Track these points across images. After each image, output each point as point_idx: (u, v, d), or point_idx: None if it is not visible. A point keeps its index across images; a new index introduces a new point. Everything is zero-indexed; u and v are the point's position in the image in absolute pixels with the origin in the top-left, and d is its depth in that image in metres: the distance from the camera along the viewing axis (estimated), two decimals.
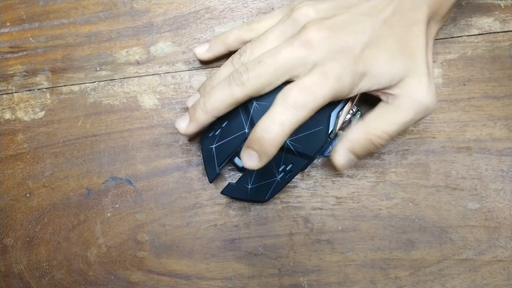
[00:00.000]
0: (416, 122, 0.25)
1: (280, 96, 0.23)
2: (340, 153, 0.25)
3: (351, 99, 0.26)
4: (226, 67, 0.26)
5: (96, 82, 0.32)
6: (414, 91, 0.24)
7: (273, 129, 0.23)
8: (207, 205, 0.30)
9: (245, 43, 0.27)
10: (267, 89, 0.24)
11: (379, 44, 0.23)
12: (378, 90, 0.24)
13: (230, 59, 0.26)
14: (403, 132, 0.27)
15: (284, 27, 0.25)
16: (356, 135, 0.25)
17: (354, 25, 0.23)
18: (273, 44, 0.25)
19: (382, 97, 0.25)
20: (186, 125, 0.26)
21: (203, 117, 0.25)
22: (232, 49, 0.28)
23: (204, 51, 0.29)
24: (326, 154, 0.27)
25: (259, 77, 0.24)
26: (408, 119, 0.24)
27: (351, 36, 0.23)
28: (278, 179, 0.27)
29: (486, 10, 0.29)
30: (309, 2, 0.25)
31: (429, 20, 0.24)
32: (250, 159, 0.23)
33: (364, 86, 0.24)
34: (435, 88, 0.24)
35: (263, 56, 0.24)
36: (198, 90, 0.28)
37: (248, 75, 0.24)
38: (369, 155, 0.29)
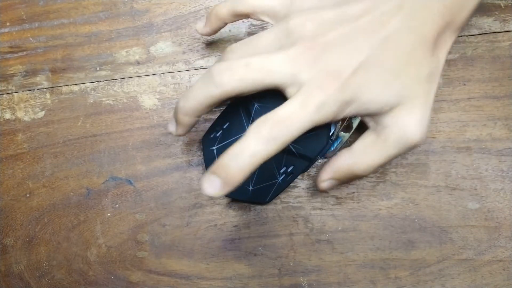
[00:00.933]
0: (401, 155, 0.24)
1: (254, 126, 0.21)
2: (324, 180, 0.25)
3: None
4: None
5: (96, 82, 0.32)
6: (404, 124, 0.22)
7: (243, 158, 0.21)
8: (207, 205, 0.30)
9: (238, 16, 0.26)
10: (250, 93, 0.23)
11: (375, 66, 0.21)
12: (366, 115, 0.23)
13: (219, 60, 0.25)
14: (388, 164, 0.27)
15: (279, 35, 0.23)
16: (340, 165, 0.24)
17: (350, 43, 0.21)
18: (266, 50, 0.23)
19: (370, 123, 0.24)
20: (175, 129, 0.26)
21: (186, 120, 0.24)
22: (227, 21, 0.26)
23: (203, 26, 0.27)
24: (327, 155, 0.27)
25: (242, 81, 0.22)
26: (394, 153, 0.23)
27: (344, 57, 0.21)
28: (279, 181, 0.27)
29: (486, 10, 0.29)
30: (309, 11, 0.23)
31: (441, 33, 0.22)
32: (212, 186, 0.22)
33: (351, 112, 0.22)
34: (429, 120, 0.23)
35: (252, 60, 0.22)
36: None
37: (231, 77, 0.22)
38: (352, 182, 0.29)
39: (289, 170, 0.26)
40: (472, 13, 0.22)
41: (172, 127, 0.26)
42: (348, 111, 0.22)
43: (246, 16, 0.25)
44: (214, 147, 0.27)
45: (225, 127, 0.27)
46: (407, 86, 0.22)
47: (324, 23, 0.22)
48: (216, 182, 0.22)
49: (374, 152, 0.23)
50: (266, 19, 0.25)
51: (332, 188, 0.26)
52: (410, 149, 0.23)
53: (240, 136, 0.26)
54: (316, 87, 0.21)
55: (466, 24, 0.23)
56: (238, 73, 0.22)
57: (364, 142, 0.24)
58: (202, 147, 0.28)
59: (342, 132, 0.27)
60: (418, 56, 0.22)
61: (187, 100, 0.23)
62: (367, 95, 0.22)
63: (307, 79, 0.22)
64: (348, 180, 0.25)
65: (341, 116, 0.22)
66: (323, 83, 0.21)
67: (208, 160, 0.27)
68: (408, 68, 0.22)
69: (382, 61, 0.21)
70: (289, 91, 0.22)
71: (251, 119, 0.26)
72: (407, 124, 0.22)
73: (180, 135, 0.26)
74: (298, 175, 0.27)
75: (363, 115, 0.23)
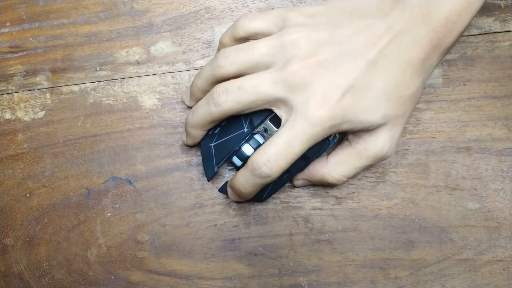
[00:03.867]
0: (370, 167, 0.26)
1: (249, 164, 0.24)
2: (299, 179, 0.28)
3: None
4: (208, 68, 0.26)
5: (96, 82, 0.32)
6: (380, 140, 0.24)
7: (247, 187, 0.25)
8: (207, 205, 0.30)
9: (239, 40, 0.26)
10: (248, 111, 0.25)
11: (364, 90, 0.22)
12: (355, 132, 0.24)
13: (211, 61, 0.26)
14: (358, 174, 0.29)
15: (273, 50, 0.23)
16: (315, 172, 0.27)
17: (340, 66, 0.22)
18: (258, 63, 0.24)
19: (349, 135, 0.25)
20: (185, 138, 0.29)
21: (194, 132, 0.27)
22: (231, 46, 0.27)
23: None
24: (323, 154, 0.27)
25: (237, 103, 0.24)
26: (366, 165, 0.25)
27: (332, 82, 0.22)
28: (276, 179, 0.27)
29: (486, 10, 0.29)
30: (303, 29, 0.23)
31: (428, 57, 0.22)
32: (233, 197, 0.27)
33: (342, 130, 0.24)
34: (400, 135, 0.25)
35: (245, 83, 0.24)
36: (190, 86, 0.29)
37: (227, 98, 0.24)
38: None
39: None
40: (460, 36, 0.23)
41: (183, 137, 0.29)
42: (339, 130, 0.24)
43: (246, 39, 0.26)
44: (212, 144, 0.27)
45: (223, 124, 0.27)
46: (393, 108, 0.23)
47: (318, 43, 0.23)
48: (235, 195, 0.27)
49: (348, 164, 0.25)
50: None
51: (305, 186, 0.29)
52: (379, 161, 0.25)
53: (238, 133, 0.26)
54: (302, 119, 0.22)
55: (453, 47, 0.24)
56: (232, 95, 0.24)
57: (340, 154, 0.26)
58: (200, 144, 0.28)
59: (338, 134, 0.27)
60: (405, 79, 0.22)
61: (193, 115, 0.26)
62: (357, 117, 0.23)
63: (295, 105, 0.22)
64: (318, 184, 0.28)
65: (332, 133, 0.24)
66: (309, 113, 0.22)
67: (205, 157, 0.27)
68: (395, 91, 0.22)
69: (372, 84, 0.22)
70: (281, 114, 0.24)
71: (249, 117, 0.26)
72: (383, 141, 0.24)
73: (189, 145, 0.29)
74: (295, 174, 0.27)
75: (352, 132, 0.25)
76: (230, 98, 0.24)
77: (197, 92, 0.27)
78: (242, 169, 0.25)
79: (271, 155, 0.23)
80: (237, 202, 0.30)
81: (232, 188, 0.26)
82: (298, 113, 0.22)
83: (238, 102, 0.24)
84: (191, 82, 0.31)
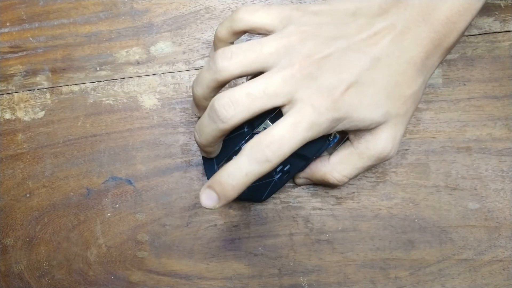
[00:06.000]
0: (372, 168, 0.26)
1: (248, 147, 0.22)
2: (301, 178, 0.28)
3: None
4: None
5: (96, 82, 0.32)
6: (382, 140, 0.24)
7: (237, 177, 0.22)
8: None
9: (238, 34, 0.26)
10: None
11: (367, 86, 0.22)
12: (354, 131, 0.24)
13: (210, 65, 0.24)
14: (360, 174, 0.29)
15: (280, 49, 0.23)
16: (317, 171, 0.27)
17: (344, 62, 0.22)
18: (265, 62, 0.23)
19: (351, 136, 0.25)
20: (205, 154, 0.27)
21: (209, 149, 0.25)
22: (230, 41, 0.26)
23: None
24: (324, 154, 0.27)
25: (247, 111, 0.22)
26: (368, 165, 0.25)
27: (337, 75, 0.22)
28: (276, 179, 0.27)
29: (486, 10, 0.29)
30: (309, 27, 0.23)
31: (430, 56, 0.22)
32: (209, 200, 0.23)
33: (341, 127, 0.23)
34: (403, 135, 0.24)
35: (253, 89, 0.22)
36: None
37: (235, 111, 0.22)
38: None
39: (285, 169, 0.26)
40: (461, 36, 0.23)
41: (203, 153, 0.27)
42: (339, 127, 0.23)
43: (244, 32, 0.25)
44: None
45: None
46: (394, 106, 0.23)
47: (322, 40, 0.23)
48: (213, 196, 0.23)
49: (350, 164, 0.25)
50: (265, 33, 0.25)
51: (306, 184, 0.29)
52: (381, 162, 0.25)
53: (238, 133, 0.26)
54: (308, 106, 0.22)
55: (454, 47, 0.24)
56: (241, 105, 0.22)
57: (341, 153, 0.26)
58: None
59: (338, 134, 0.27)
60: (406, 77, 0.23)
61: (201, 136, 0.24)
62: (358, 114, 0.23)
63: (301, 97, 0.22)
64: (319, 183, 0.28)
65: (332, 131, 0.23)
66: (316, 102, 0.22)
67: (206, 158, 0.27)
68: (397, 89, 0.23)
69: (374, 81, 0.22)
70: (284, 108, 0.23)
71: None
72: (384, 140, 0.24)
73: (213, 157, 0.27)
74: (294, 174, 0.27)
75: (351, 130, 0.24)
76: (240, 109, 0.22)
77: (201, 101, 0.25)
78: (233, 159, 0.23)
79: (275, 137, 0.22)
80: (209, 209, 0.28)
81: (215, 184, 0.23)
82: (304, 102, 0.22)
83: (249, 110, 0.22)
84: (191, 82, 0.31)
